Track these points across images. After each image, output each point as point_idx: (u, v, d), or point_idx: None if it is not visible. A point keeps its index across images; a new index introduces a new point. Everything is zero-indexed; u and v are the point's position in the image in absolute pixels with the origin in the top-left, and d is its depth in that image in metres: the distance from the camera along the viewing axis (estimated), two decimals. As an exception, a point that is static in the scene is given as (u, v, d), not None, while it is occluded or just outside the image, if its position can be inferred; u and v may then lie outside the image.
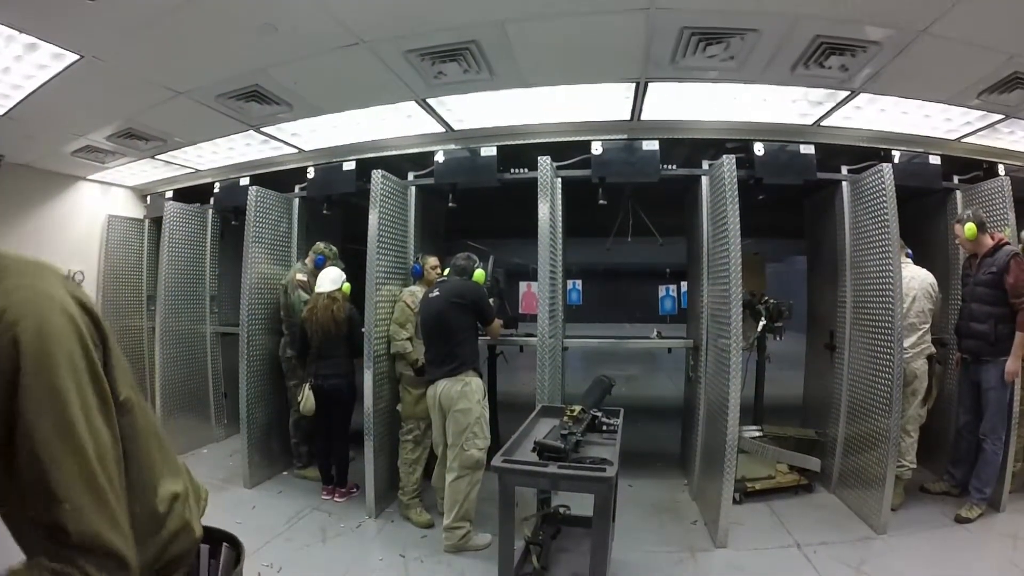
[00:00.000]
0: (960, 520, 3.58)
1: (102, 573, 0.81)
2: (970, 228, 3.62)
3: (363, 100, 3.84)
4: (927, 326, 3.84)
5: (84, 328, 0.86)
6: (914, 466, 3.83)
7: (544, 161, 3.86)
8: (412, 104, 3.85)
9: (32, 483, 0.79)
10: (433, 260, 4.07)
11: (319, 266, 4.44)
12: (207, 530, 1.13)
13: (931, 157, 4.21)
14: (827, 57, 3.10)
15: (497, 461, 2.38)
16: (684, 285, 4.77)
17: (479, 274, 3.68)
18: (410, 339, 3.83)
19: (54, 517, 0.79)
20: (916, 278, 3.84)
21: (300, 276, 4.50)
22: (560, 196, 4.02)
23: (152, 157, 5.00)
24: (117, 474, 0.87)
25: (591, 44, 3.05)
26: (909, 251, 3.99)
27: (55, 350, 0.82)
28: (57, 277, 0.89)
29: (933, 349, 3.89)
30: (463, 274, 3.63)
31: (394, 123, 4.22)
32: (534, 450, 2.51)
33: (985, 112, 3.75)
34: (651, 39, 2.96)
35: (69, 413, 0.81)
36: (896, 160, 4.12)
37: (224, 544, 1.17)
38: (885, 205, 3.56)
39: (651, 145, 4.01)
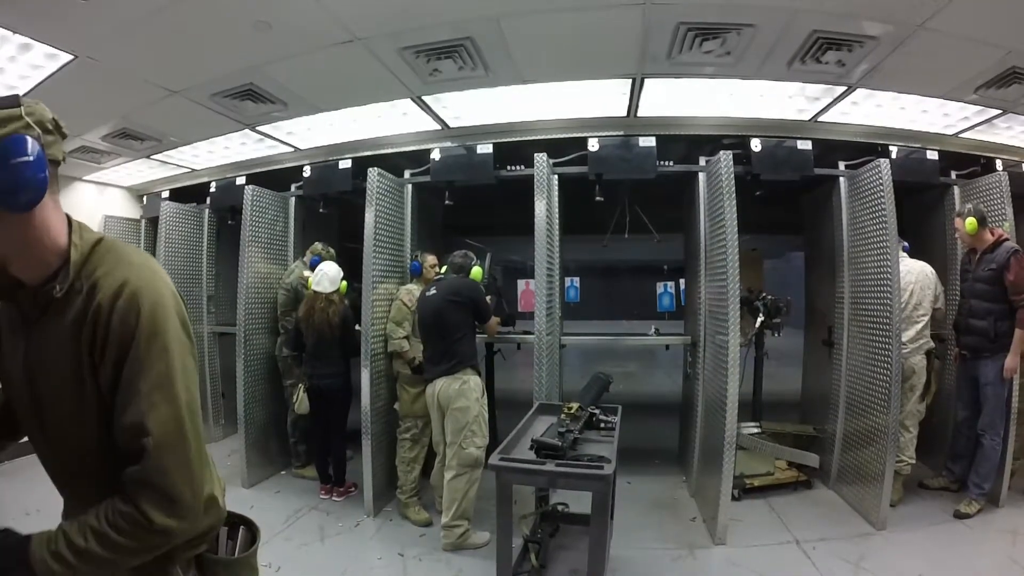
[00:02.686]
0: (959, 516, 3.57)
1: (155, 510, 0.96)
2: (971, 223, 3.61)
3: (358, 98, 3.83)
4: (926, 319, 3.84)
5: (184, 311, 1.08)
6: (913, 462, 3.83)
7: (541, 158, 3.85)
8: (408, 102, 3.84)
9: (130, 422, 0.96)
10: (431, 258, 4.06)
11: (314, 266, 4.43)
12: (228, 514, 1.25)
13: (929, 152, 4.20)
14: (824, 52, 3.09)
15: (495, 459, 2.38)
16: (682, 282, 4.76)
17: (476, 272, 3.67)
18: (407, 337, 3.82)
19: (140, 444, 0.95)
20: (912, 271, 3.83)
21: (306, 273, 4.47)
22: (557, 193, 4.01)
23: (148, 157, 4.99)
24: (200, 431, 1.05)
25: (587, 40, 3.05)
26: (906, 244, 3.98)
27: (167, 318, 1.02)
28: (162, 269, 1.10)
29: (932, 344, 3.89)
30: (460, 272, 3.62)
31: (390, 121, 4.21)
32: (532, 448, 2.51)
33: (983, 107, 3.75)
34: (647, 34, 2.95)
35: (171, 369, 1.00)
36: (894, 155, 4.10)
37: (241, 527, 1.29)
38: (883, 200, 3.55)
39: (648, 141, 3.99)
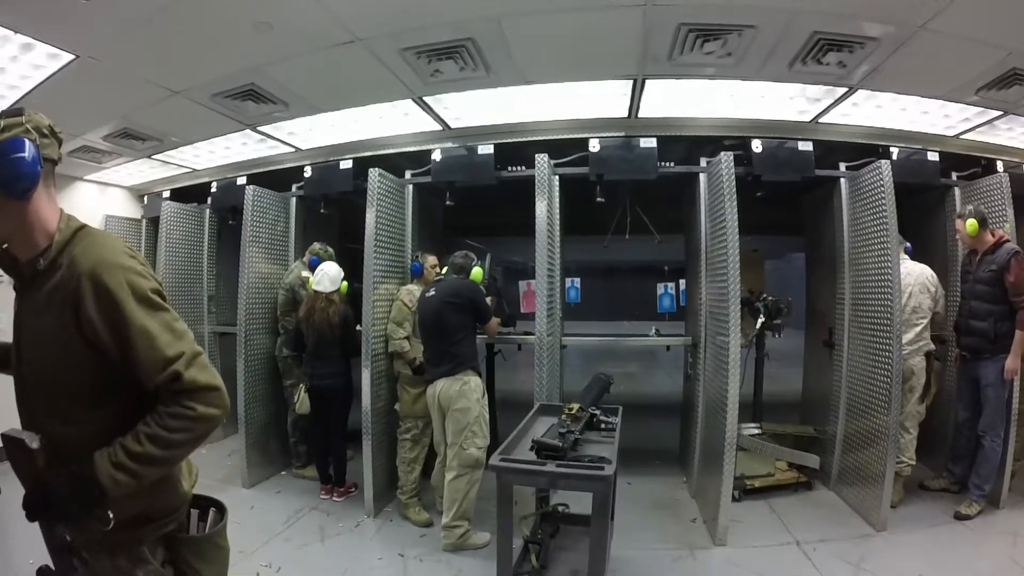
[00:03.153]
0: (959, 517, 3.57)
1: (207, 406, 1.24)
2: (971, 224, 3.61)
3: (359, 98, 3.83)
4: (925, 321, 3.84)
5: (146, 273, 1.28)
6: (913, 463, 3.83)
7: (542, 159, 3.85)
8: (409, 102, 3.84)
9: (148, 362, 1.20)
10: (432, 259, 4.06)
11: (313, 266, 4.43)
12: (197, 497, 1.46)
13: (929, 153, 4.21)
14: (825, 53, 3.09)
15: (495, 460, 2.38)
16: (683, 283, 4.75)
17: (477, 272, 3.67)
18: (407, 338, 3.82)
19: (172, 371, 1.20)
20: (912, 274, 3.83)
21: (305, 273, 4.48)
22: (558, 194, 4.00)
23: (149, 157, 5.00)
24: (190, 335, 1.29)
25: (588, 41, 3.05)
26: (908, 245, 3.98)
27: (130, 283, 1.22)
28: (124, 247, 1.30)
29: (932, 346, 3.89)
30: (461, 272, 3.62)
31: (391, 121, 4.21)
32: (532, 449, 2.51)
33: (983, 108, 3.75)
34: (648, 35, 2.95)
35: (157, 307, 1.25)
36: (894, 156, 4.10)
37: (212, 508, 1.48)
38: (883, 202, 3.55)
39: (649, 142, 3.99)
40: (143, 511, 1.29)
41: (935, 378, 3.96)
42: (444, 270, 3.76)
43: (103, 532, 1.21)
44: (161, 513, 1.34)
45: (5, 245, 1.27)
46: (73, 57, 3.01)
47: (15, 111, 1.22)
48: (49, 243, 1.25)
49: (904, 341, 3.62)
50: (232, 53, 3.12)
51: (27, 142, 1.18)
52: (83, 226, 1.30)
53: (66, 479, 1.17)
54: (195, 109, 3.82)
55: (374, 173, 3.91)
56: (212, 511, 1.48)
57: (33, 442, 1.18)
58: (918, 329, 3.80)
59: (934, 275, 3.90)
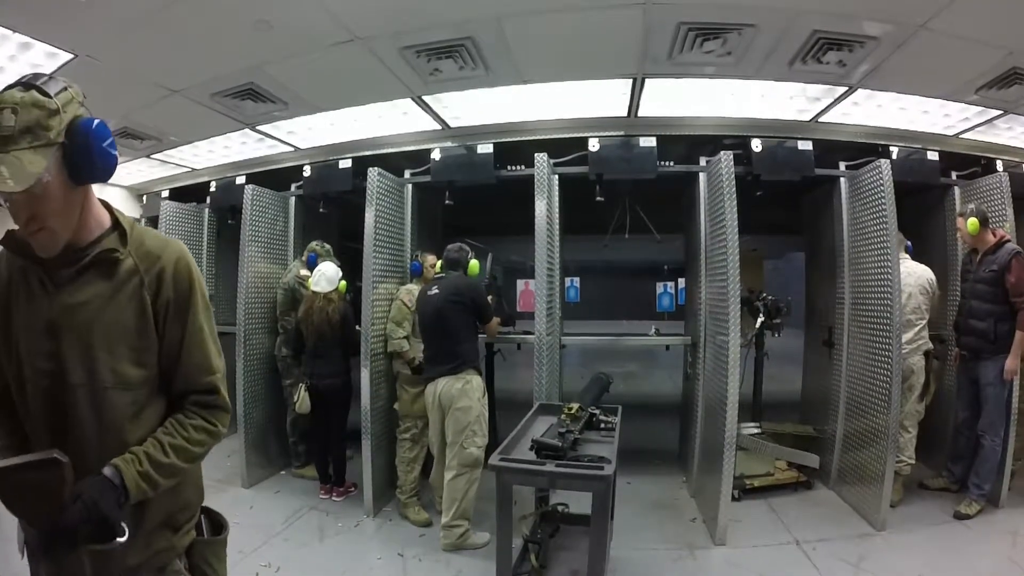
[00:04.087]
0: (959, 516, 3.57)
1: (223, 426, 1.30)
2: (972, 223, 3.61)
3: (359, 98, 3.83)
4: (923, 322, 3.84)
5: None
6: (912, 462, 3.83)
7: (541, 158, 3.85)
8: (408, 101, 3.84)
9: (197, 361, 1.25)
10: (432, 258, 4.05)
11: (311, 263, 4.43)
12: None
13: (929, 153, 4.21)
14: (825, 53, 3.09)
15: (495, 460, 2.38)
16: (682, 282, 4.75)
17: (473, 265, 3.66)
18: (407, 337, 3.82)
19: (212, 382, 1.27)
20: (912, 274, 3.83)
21: (303, 272, 4.48)
22: (557, 193, 4.01)
23: (148, 156, 4.99)
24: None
25: (588, 40, 3.04)
26: (908, 244, 3.98)
27: (202, 281, 1.30)
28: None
29: (930, 345, 3.88)
30: (456, 267, 3.61)
31: (390, 121, 4.20)
32: (532, 448, 2.50)
33: (983, 108, 3.75)
34: (648, 35, 2.95)
35: (212, 319, 1.31)
36: (894, 156, 4.10)
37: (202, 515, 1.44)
38: (883, 201, 3.55)
39: (648, 142, 3.99)
40: (168, 516, 1.27)
41: (934, 377, 3.96)
42: (438, 266, 3.75)
43: (124, 552, 1.14)
44: (187, 516, 1.32)
45: (40, 229, 1.10)
46: (72, 56, 3.00)
47: (43, 79, 1.10)
48: (102, 232, 1.21)
49: (903, 340, 3.62)
50: (231, 52, 3.11)
51: (106, 125, 1.12)
52: (135, 219, 1.31)
53: (98, 483, 1.09)
54: (194, 108, 3.82)
55: (373, 172, 3.91)
56: (206, 513, 1.45)
57: (63, 456, 1.04)
58: (916, 329, 3.80)
59: (934, 278, 3.89)
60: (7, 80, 3.31)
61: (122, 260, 1.20)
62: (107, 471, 1.12)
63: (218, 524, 1.44)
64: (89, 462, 1.12)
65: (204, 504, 1.42)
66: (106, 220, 1.24)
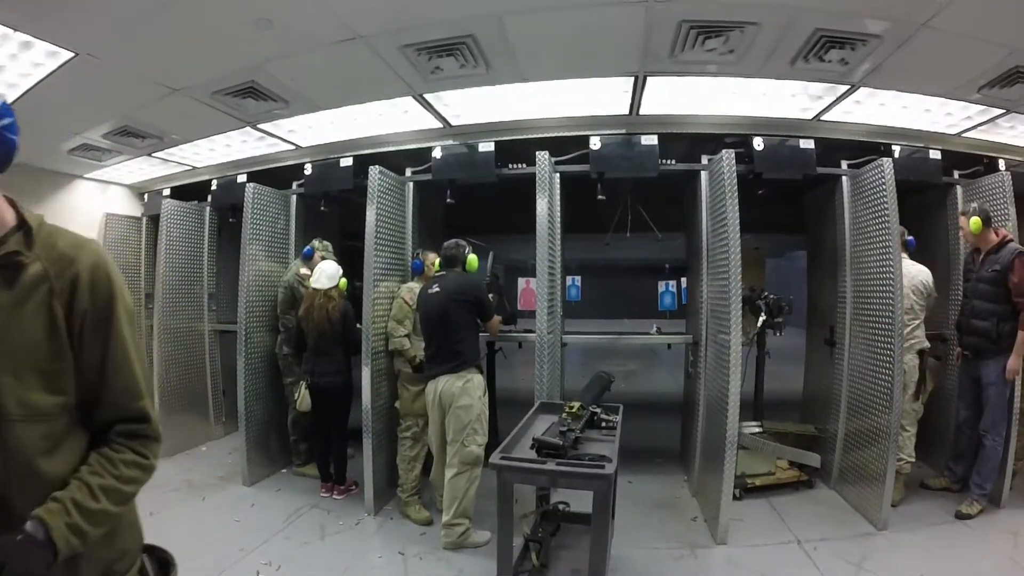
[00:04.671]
0: (961, 516, 3.57)
1: (155, 458, 1.11)
2: (975, 222, 3.60)
3: (360, 96, 3.82)
4: (917, 322, 3.82)
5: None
6: (912, 460, 3.83)
7: (542, 156, 3.84)
8: (409, 100, 3.83)
9: (123, 384, 1.07)
10: (433, 256, 4.04)
11: (307, 257, 4.43)
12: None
13: (931, 152, 4.19)
14: (827, 51, 3.08)
15: (496, 458, 2.38)
16: (684, 281, 4.75)
17: (472, 260, 3.66)
18: (408, 336, 3.82)
19: (141, 408, 1.09)
20: (907, 274, 3.79)
21: (304, 270, 4.48)
22: (559, 191, 4.00)
23: (149, 155, 4.98)
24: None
25: (589, 38, 3.03)
26: (911, 239, 3.95)
27: (124, 287, 1.11)
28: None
29: (926, 344, 3.87)
30: (454, 263, 3.61)
31: (391, 119, 4.20)
32: (533, 447, 2.50)
33: (986, 107, 3.74)
34: (649, 32, 2.94)
35: (135, 333, 1.11)
36: (896, 155, 4.09)
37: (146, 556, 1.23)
38: (885, 200, 3.54)
39: (650, 140, 3.99)
40: (106, 568, 1.09)
41: (931, 376, 3.95)
42: (436, 263, 3.74)
43: None
44: (127, 565, 1.14)
45: None
46: (72, 55, 3.00)
47: None
48: (4, 232, 1.02)
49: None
50: (232, 50, 3.11)
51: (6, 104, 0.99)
52: (42, 216, 1.10)
53: (20, 545, 0.91)
54: (195, 107, 3.81)
55: (374, 171, 3.90)
56: (149, 552, 1.24)
57: None
58: (909, 328, 3.79)
59: (930, 278, 3.88)
60: (6, 79, 3.31)
61: (28, 265, 1.01)
62: (29, 527, 0.93)
63: (165, 562, 1.24)
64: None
65: (147, 542, 1.22)
66: (10, 218, 1.04)
